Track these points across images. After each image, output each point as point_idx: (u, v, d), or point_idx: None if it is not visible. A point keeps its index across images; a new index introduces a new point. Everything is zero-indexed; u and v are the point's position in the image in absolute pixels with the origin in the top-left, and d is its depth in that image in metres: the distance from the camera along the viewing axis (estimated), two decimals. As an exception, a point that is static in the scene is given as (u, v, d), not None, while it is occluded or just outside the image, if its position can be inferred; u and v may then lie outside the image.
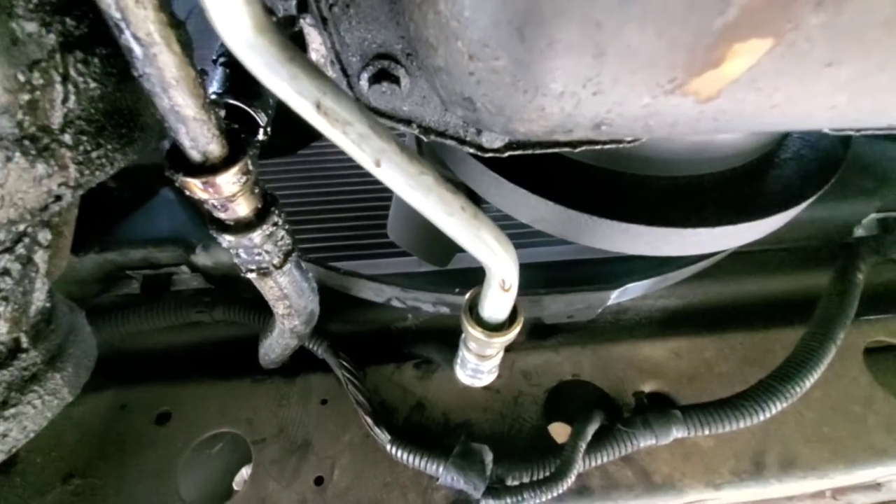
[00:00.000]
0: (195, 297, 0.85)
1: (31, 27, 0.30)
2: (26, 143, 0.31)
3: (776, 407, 0.69)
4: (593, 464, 0.70)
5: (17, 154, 0.31)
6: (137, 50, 0.28)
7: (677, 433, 0.69)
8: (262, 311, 0.78)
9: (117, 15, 0.27)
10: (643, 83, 0.26)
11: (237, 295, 0.84)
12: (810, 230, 0.99)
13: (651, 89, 0.27)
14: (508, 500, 0.66)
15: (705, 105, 0.29)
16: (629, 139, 0.44)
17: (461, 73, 0.27)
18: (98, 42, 0.33)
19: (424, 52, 0.29)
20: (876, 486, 1.00)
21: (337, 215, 0.97)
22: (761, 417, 0.69)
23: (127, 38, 0.27)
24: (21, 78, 0.29)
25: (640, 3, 0.22)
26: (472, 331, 0.49)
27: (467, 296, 0.50)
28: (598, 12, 0.22)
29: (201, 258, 0.84)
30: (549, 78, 0.25)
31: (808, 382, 0.70)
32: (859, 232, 1.02)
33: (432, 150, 0.72)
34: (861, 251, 0.89)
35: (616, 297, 0.78)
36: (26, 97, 0.30)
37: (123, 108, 0.38)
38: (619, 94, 0.27)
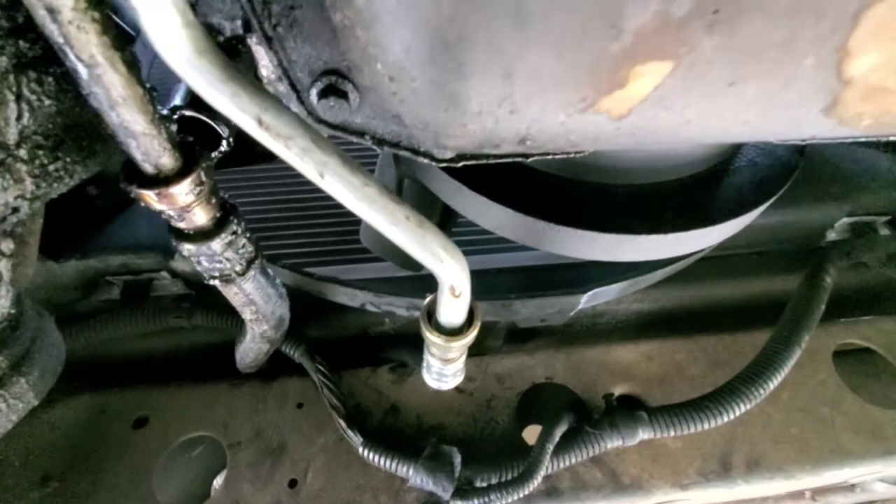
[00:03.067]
0: (174, 302, 0.86)
1: (-16, 50, 0.31)
2: (-19, 158, 0.33)
3: (741, 408, 0.70)
4: (561, 465, 0.71)
5: (-28, 169, 0.32)
6: (82, 71, 0.29)
7: (643, 434, 0.71)
8: (239, 316, 0.79)
9: (60, 40, 0.28)
10: (555, 102, 0.28)
11: (217, 300, 0.85)
12: (783, 235, 1.01)
13: (564, 108, 0.28)
14: (476, 502, 0.68)
15: (620, 122, 0.30)
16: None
17: (386, 92, 0.29)
18: (52, 62, 0.35)
19: (355, 72, 0.30)
20: (851, 487, 1.02)
21: (316, 221, 0.98)
22: (726, 419, 0.70)
23: (72, 60, 0.29)
24: (-27, 97, 0.31)
25: (535, 29, 0.23)
26: (430, 336, 0.51)
27: (425, 303, 0.51)
28: (497, 38, 0.24)
29: (180, 264, 0.85)
30: (465, 98, 0.27)
31: (773, 384, 0.71)
32: (831, 236, 1.04)
33: (407, 162, 0.74)
34: (830, 255, 0.91)
35: (586, 300, 0.79)
36: (-21, 116, 0.31)
37: (84, 121, 0.40)
38: (534, 112, 0.28)
